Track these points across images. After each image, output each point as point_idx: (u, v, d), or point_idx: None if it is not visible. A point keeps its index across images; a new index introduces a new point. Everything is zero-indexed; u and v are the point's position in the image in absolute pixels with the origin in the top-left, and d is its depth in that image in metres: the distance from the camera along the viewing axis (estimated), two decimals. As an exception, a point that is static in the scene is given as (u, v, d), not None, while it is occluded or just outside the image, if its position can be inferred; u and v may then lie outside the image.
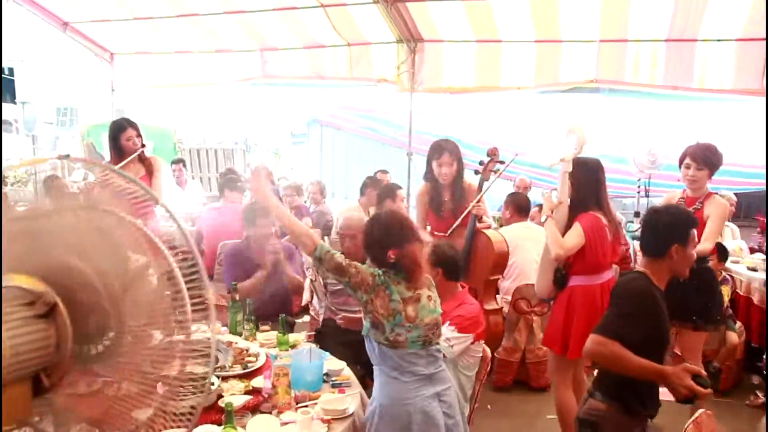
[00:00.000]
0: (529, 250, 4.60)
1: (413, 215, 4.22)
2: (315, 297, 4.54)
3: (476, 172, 4.02)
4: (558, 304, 3.50)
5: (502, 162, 4.00)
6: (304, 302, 4.93)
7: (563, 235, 3.35)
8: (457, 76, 5.85)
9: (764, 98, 4.67)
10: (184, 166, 7.66)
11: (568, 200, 3.39)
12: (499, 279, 4.27)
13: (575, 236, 3.31)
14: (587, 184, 3.38)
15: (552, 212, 3.41)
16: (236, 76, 6.87)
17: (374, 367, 2.55)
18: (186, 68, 7.00)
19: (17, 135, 14.30)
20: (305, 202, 6.27)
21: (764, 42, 4.53)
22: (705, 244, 3.45)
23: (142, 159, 4.42)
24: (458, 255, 3.34)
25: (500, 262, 4.08)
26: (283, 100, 13.72)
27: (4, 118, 14.97)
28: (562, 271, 3.43)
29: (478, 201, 3.96)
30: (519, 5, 5.07)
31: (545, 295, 3.58)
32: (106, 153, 5.16)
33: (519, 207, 5.08)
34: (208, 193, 8.53)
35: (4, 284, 1.17)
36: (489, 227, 4.12)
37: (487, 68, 5.67)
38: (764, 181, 6.30)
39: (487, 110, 8.21)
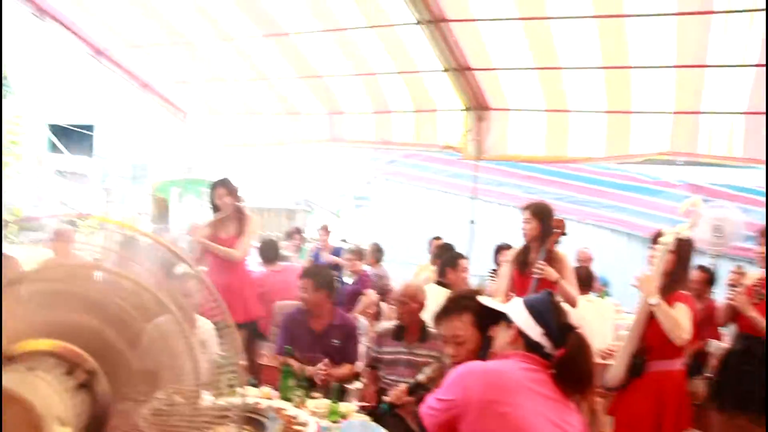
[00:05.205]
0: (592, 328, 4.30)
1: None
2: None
3: None
4: (638, 393, 3.17)
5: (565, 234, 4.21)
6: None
7: None
8: (525, 145, 5.78)
9: None
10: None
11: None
12: None
13: (688, 318, 3.08)
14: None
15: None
16: (304, 138, 7.00)
17: None
18: (255, 129, 7.18)
19: (89, 186, 15.07)
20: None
21: None
22: None
23: (239, 217, 4.93)
24: None
25: None
26: (347, 160, 13.95)
27: (78, 170, 15.78)
28: (641, 357, 3.14)
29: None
30: (592, 75, 5.02)
31: (615, 384, 3.26)
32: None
33: (580, 281, 4.84)
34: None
35: (27, 350, 1.06)
36: None
37: (556, 138, 5.59)
38: None
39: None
